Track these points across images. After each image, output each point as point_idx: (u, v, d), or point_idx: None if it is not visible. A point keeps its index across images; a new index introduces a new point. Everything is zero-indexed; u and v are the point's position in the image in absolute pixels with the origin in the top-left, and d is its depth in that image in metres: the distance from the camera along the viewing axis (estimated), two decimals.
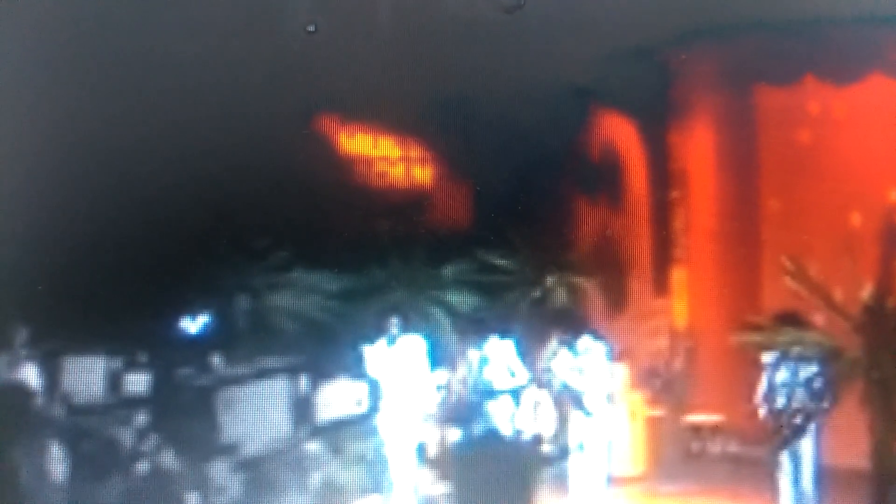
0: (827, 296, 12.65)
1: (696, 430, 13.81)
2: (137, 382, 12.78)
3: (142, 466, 12.42)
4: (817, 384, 12.41)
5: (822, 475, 12.41)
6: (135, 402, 12.67)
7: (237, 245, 13.13)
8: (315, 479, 12.77)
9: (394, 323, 13.31)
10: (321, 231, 13.18)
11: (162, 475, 12.39)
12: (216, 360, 13.06)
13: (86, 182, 12.70)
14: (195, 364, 12.91)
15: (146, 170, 12.81)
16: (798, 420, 12.42)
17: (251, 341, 13.21)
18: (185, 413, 12.64)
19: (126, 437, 12.51)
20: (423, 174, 14.19)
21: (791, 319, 12.72)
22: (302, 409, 13.00)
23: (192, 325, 13.08)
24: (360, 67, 13.11)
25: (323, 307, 13.44)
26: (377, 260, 13.43)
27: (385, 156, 14.10)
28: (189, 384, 12.79)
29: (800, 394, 12.46)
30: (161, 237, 12.67)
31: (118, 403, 12.68)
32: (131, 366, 12.81)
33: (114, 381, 12.75)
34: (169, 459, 12.44)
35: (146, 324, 12.72)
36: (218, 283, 13.15)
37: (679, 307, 14.42)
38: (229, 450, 12.59)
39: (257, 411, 12.82)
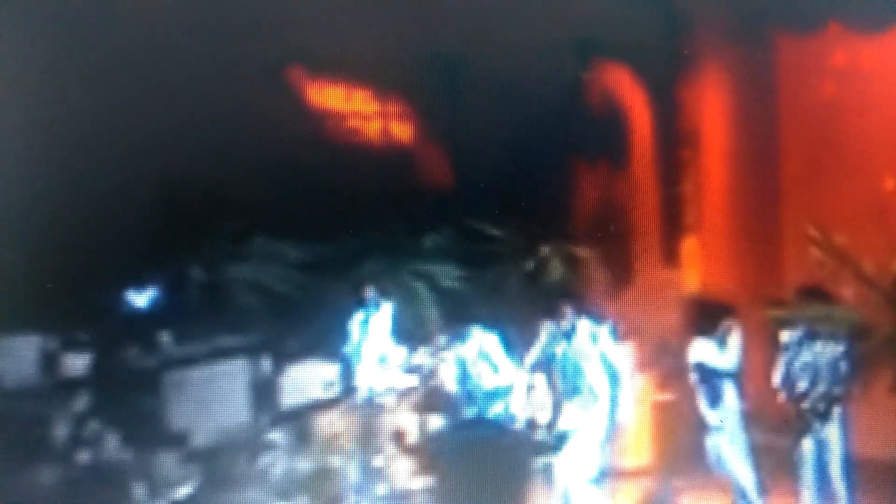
0: (856, 267, 12.18)
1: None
2: (76, 364, 12.21)
3: (81, 456, 11.81)
4: (844, 365, 11.74)
5: (849, 466, 11.77)
6: (73, 386, 12.07)
7: (190, 208, 12.63)
8: (277, 471, 12.20)
9: (369, 295, 12.75)
10: (286, 194, 12.66)
11: (104, 465, 11.79)
12: (165, 338, 12.52)
13: (21, 140, 12.10)
14: (141, 343, 12.38)
15: (87, 125, 12.24)
16: (822, 405, 11.71)
17: (206, 317, 12.68)
18: (130, 398, 12.04)
19: (64, 423, 11.89)
20: (403, 131, 13.85)
21: (816, 293, 12.08)
22: (263, 393, 12.50)
23: (139, 298, 12.63)
24: (334, 12, 12.61)
25: (287, 279, 13.02)
26: (350, 226, 12.94)
27: (359, 110, 13.71)
28: (134, 365, 12.24)
29: (824, 376, 11.77)
30: (104, 199, 12.11)
31: (55, 387, 12.10)
32: (69, 345, 12.25)
33: (50, 363, 12.19)
34: (112, 448, 11.82)
35: (86, 297, 12.11)
36: (169, 251, 12.62)
37: (690, 279, 14.09)
38: (179, 439, 12.03)
39: (212, 396, 12.31)
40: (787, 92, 13.72)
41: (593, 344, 11.99)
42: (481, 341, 12.51)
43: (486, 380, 12.47)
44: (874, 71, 13.14)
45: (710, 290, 13.48)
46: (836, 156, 13.28)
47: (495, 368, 12.45)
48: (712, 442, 11.53)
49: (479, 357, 12.50)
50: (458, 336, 12.56)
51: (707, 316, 12.07)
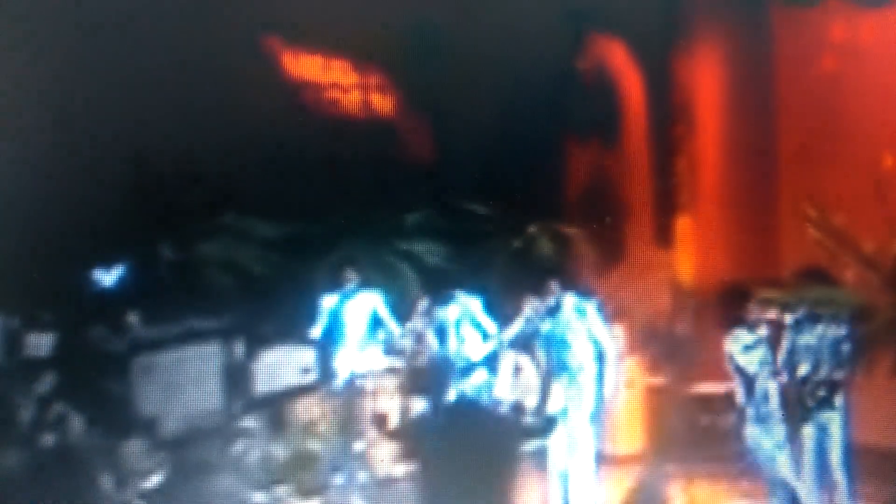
0: (856, 247, 11.89)
1: (705, 401, 13.06)
2: (40, 345, 11.86)
3: (44, 443, 11.46)
4: (845, 349, 11.46)
5: (850, 453, 11.46)
6: (36, 368, 11.70)
7: (161, 183, 12.36)
8: (252, 458, 11.91)
9: (349, 277, 12.45)
10: (261, 169, 12.43)
11: (68, 453, 11.45)
12: (134, 319, 12.20)
13: None
14: (109, 324, 12.04)
15: (53, 98, 11.96)
16: (823, 391, 11.42)
17: (177, 298, 12.40)
18: (96, 382, 11.72)
19: (25, 407, 11.55)
20: (384, 104, 13.66)
21: (814, 274, 11.82)
22: (237, 377, 12.22)
23: (106, 277, 12.36)
24: None
25: (262, 258, 12.80)
26: (328, 203, 12.68)
27: (338, 81, 13.51)
28: (101, 348, 11.92)
29: (825, 359, 11.48)
30: (69, 173, 11.78)
31: (16, 368, 11.74)
32: (32, 325, 11.90)
33: (12, 343, 11.82)
34: (77, 435, 11.49)
35: (50, 275, 11.82)
36: (138, 228, 12.35)
37: (683, 259, 14.02)
38: (148, 425, 11.72)
39: (183, 380, 12.02)
40: (785, 67, 13.68)
41: (580, 318, 11.76)
42: (465, 304, 12.35)
43: (469, 345, 12.34)
44: (874, 46, 13.02)
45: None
46: (834, 133, 13.16)
47: (483, 333, 12.32)
48: (750, 432, 11.28)
49: (462, 319, 12.36)
50: (442, 300, 12.41)
51: (737, 304, 11.78)
